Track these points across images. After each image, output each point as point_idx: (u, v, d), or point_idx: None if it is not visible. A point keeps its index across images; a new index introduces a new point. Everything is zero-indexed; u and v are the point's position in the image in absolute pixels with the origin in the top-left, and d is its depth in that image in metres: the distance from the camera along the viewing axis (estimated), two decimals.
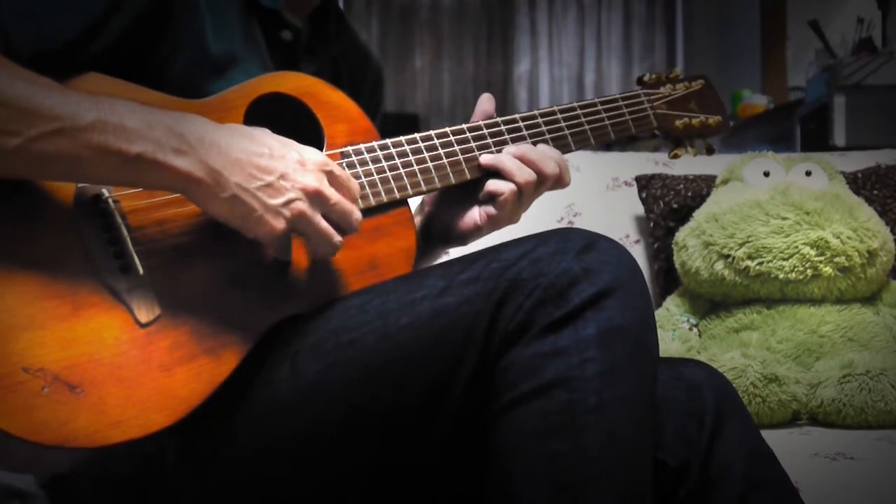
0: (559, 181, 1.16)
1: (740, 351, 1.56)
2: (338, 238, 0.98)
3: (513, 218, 1.17)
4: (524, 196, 1.14)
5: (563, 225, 1.92)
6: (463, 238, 1.19)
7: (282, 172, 0.94)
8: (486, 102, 1.21)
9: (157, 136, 0.89)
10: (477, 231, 1.17)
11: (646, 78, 1.31)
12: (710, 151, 1.34)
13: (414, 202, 1.15)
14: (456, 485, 1.02)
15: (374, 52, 1.33)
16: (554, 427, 0.88)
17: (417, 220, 1.22)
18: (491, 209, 1.15)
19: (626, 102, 1.26)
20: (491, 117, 1.18)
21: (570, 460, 0.87)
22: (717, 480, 1.02)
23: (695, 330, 1.73)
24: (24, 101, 0.85)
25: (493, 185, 1.14)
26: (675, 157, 1.32)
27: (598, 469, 0.88)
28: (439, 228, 1.21)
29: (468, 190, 1.16)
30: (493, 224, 1.16)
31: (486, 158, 1.14)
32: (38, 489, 1.00)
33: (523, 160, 1.13)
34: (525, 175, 1.13)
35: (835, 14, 4.74)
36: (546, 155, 1.15)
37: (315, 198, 0.95)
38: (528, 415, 0.89)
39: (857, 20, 4.23)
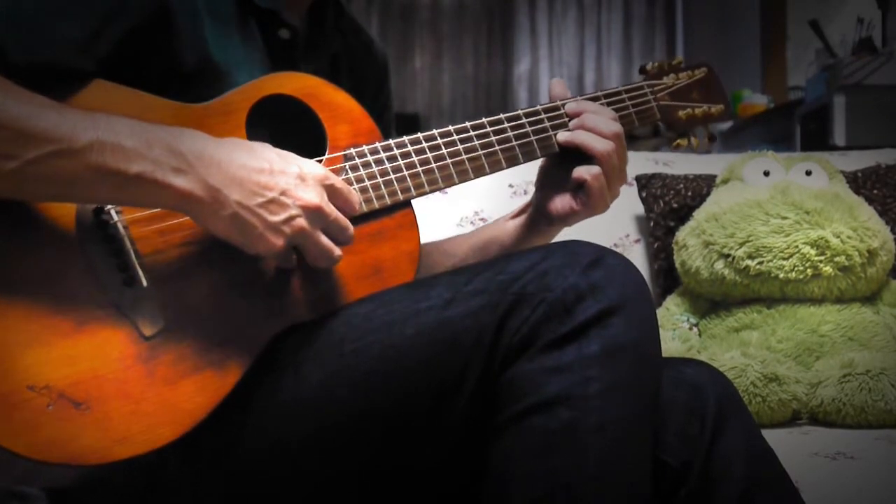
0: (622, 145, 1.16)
1: (740, 350, 1.56)
2: (337, 252, 0.97)
3: (612, 194, 1.16)
4: (611, 175, 1.14)
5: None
6: (563, 221, 1.20)
7: (283, 188, 0.93)
8: (558, 87, 1.21)
9: (156, 156, 0.89)
10: (574, 215, 1.18)
11: (648, 67, 1.29)
12: (711, 140, 1.33)
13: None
14: (454, 496, 1.02)
15: (377, 42, 1.31)
16: (554, 444, 0.88)
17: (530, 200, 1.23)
18: (583, 196, 1.15)
19: (629, 95, 1.24)
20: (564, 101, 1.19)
21: (569, 478, 0.87)
22: (717, 480, 1.02)
23: (695, 329, 1.73)
24: (20, 123, 0.85)
25: (577, 172, 1.14)
26: (678, 147, 1.30)
27: (597, 488, 0.88)
28: (542, 210, 1.21)
29: (563, 174, 1.17)
30: (589, 208, 1.16)
31: (562, 136, 1.15)
32: (39, 491, 1.00)
33: (586, 128, 1.14)
34: (604, 145, 1.13)
35: (835, 14, 4.73)
36: (602, 114, 1.15)
37: (315, 213, 0.95)
38: (529, 431, 0.89)
39: (857, 20, 4.22)
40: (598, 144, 1.14)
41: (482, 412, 0.92)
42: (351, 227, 0.99)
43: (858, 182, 1.87)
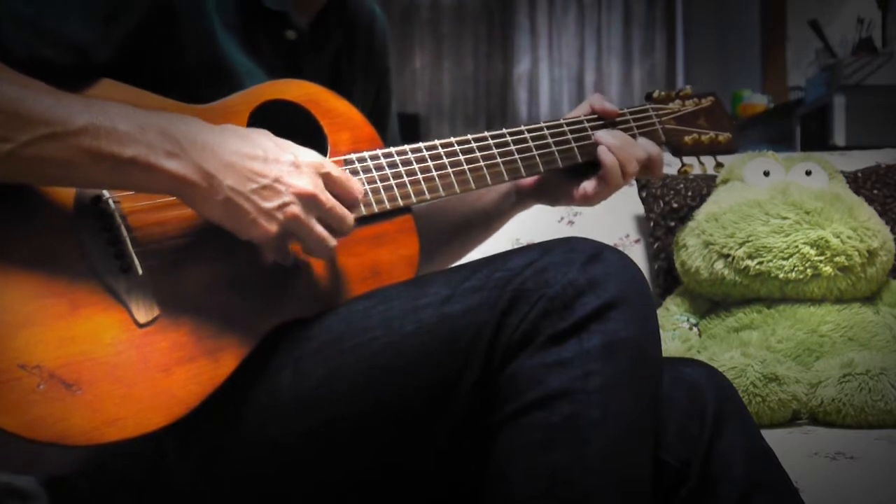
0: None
1: (740, 350, 1.56)
2: (332, 242, 0.97)
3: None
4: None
5: (564, 224, 1.92)
6: (553, 202, 1.26)
7: (276, 175, 0.93)
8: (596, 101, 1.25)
9: (150, 139, 0.89)
10: (568, 203, 1.24)
11: (655, 94, 1.31)
12: (719, 166, 1.34)
13: None
14: (455, 492, 1.02)
15: (379, 17, 1.30)
16: (555, 439, 0.88)
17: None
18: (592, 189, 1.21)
19: (633, 116, 1.26)
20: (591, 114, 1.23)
21: (571, 473, 0.87)
22: (717, 480, 1.02)
23: (695, 329, 1.73)
24: (15, 106, 0.85)
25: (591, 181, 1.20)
26: (685, 173, 1.31)
27: (598, 482, 0.88)
28: (537, 186, 1.25)
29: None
30: (587, 203, 1.23)
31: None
32: (39, 488, 1.00)
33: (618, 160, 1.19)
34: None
35: (835, 14, 4.74)
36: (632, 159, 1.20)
37: (309, 201, 0.95)
38: (530, 426, 0.89)
39: (857, 20, 4.23)
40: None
41: (482, 409, 0.93)
42: (350, 217, 0.99)
43: (858, 182, 1.87)
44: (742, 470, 1.02)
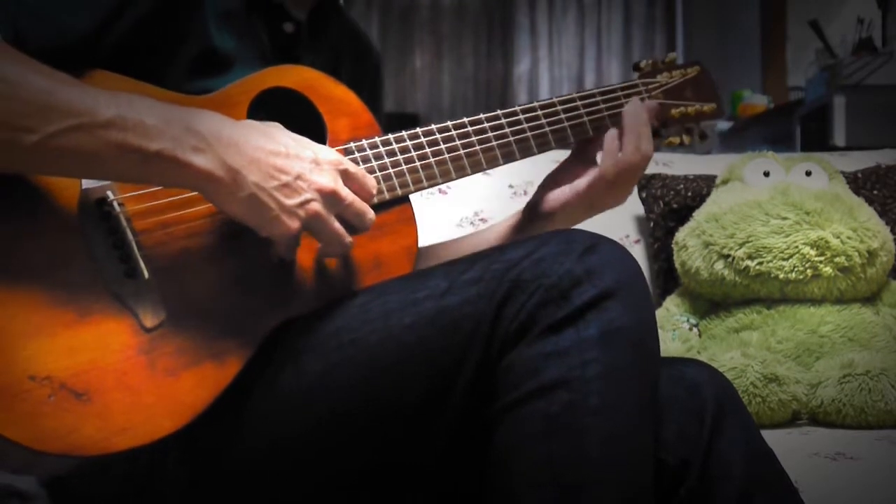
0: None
1: (740, 351, 1.56)
2: (348, 239, 0.98)
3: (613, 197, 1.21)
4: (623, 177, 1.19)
5: None
6: (553, 215, 1.22)
7: (298, 172, 0.94)
8: None
9: (176, 134, 0.89)
10: (561, 209, 1.21)
11: (642, 65, 1.31)
12: (703, 137, 1.34)
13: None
14: (456, 484, 1.02)
15: (374, 45, 1.33)
16: (555, 428, 0.88)
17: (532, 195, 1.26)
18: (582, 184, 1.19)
19: (624, 93, 1.26)
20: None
21: (571, 462, 0.87)
22: (717, 479, 1.02)
23: (695, 330, 1.73)
24: (42, 97, 0.85)
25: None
26: (671, 144, 1.31)
27: (599, 471, 0.88)
28: (537, 204, 1.24)
29: (564, 168, 1.22)
30: (584, 201, 1.20)
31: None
32: (39, 488, 1.00)
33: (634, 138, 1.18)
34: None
35: (835, 14, 4.74)
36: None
37: (330, 198, 0.95)
38: (529, 415, 0.89)
39: (857, 20, 4.22)
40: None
41: (481, 400, 0.93)
42: (370, 212, 0.99)
43: (858, 182, 1.87)
44: (742, 469, 1.02)
